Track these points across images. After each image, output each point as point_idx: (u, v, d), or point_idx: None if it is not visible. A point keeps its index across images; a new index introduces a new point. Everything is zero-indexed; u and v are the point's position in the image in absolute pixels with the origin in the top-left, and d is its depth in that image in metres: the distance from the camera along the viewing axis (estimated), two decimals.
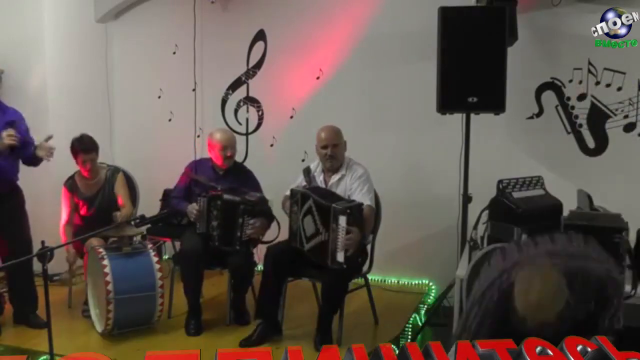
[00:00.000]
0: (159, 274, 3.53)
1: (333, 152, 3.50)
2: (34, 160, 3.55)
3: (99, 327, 3.55)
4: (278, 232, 3.70)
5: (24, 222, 3.68)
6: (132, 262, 3.54)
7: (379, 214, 3.66)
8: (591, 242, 2.01)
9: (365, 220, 3.36)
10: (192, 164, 3.95)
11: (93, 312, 3.66)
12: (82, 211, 3.90)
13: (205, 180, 3.73)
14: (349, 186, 3.50)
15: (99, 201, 3.89)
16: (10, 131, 3.37)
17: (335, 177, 3.55)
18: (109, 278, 3.38)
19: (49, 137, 3.50)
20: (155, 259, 3.59)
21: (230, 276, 3.69)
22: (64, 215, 3.90)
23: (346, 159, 3.60)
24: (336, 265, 3.20)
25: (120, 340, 3.48)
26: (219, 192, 3.59)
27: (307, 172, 3.62)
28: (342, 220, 3.14)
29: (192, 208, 3.67)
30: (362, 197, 3.43)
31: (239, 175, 3.84)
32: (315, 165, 3.67)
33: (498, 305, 1.94)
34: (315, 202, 3.29)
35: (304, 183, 3.57)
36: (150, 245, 3.67)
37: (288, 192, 3.55)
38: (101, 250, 3.51)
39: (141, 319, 3.56)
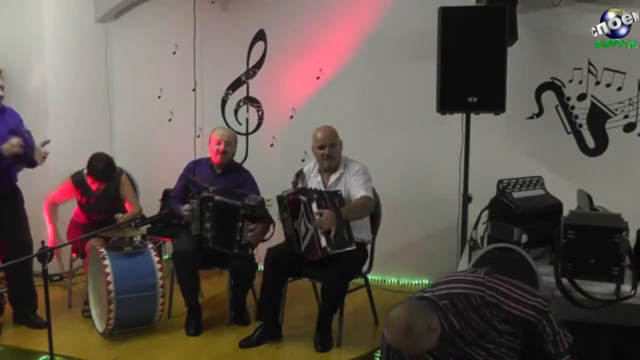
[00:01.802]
0: (159, 274, 3.53)
1: (330, 151, 3.50)
2: (30, 163, 3.55)
3: (100, 327, 3.55)
4: (273, 230, 3.70)
5: (23, 222, 3.69)
6: (133, 262, 3.54)
7: (378, 213, 3.66)
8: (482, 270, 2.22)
9: (355, 206, 3.38)
10: (191, 163, 3.96)
11: (94, 312, 3.66)
12: (85, 210, 3.90)
13: (199, 181, 3.74)
14: (348, 183, 3.51)
15: (103, 202, 3.89)
16: (19, 141, 3.38)
17: (334, 177, 3.55)
18: (110, 278, 3.38)
19: (46, 142, 3.51)
20: (156, 258, 3.59)
21: (231, 278, 3.69)
22: (54, 194, 3.90)
23: (343, 158, 3.60)
24: (323, 252, 3.19)
25: (120, 340, 3.48)
26: (211, 193, 3.59)
27: (297, 174, 3.62)
28: (314, 206, 3.20)
29: (185, 209, 3.67)
30: (357, 189, 3.44)
31: (236, 175, 3.84)
32: (312, 166, 3.67)
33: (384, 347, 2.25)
34: (304, 204, 3.28)
35: (290, 188, 3.56)
36: (150, 245, 3.67)
37: None
38: (102, 250, 3.51)
39: (142, 318, 3.56)
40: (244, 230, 3.51)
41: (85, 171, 3.88)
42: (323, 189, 3.52)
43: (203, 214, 3.61)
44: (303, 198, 3.27)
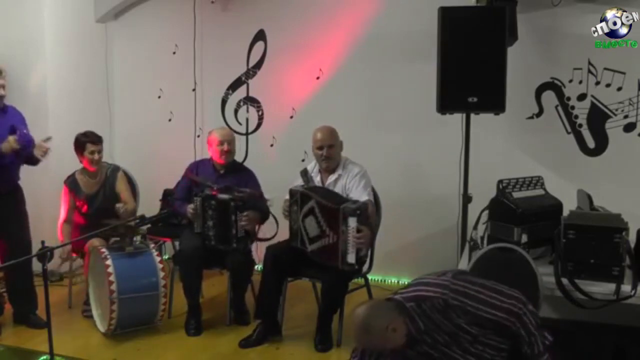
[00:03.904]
0: (162, 274, 3.54)
1: (329, 152, 3.50)
2: (32, 160, 3.56)
3: (102, 327, 3.55)
4: (277, 229, 3.70)
5: (24, 221, 3.69)
6: (135, 261, 3.55)
7: (378, 213, 3.65)
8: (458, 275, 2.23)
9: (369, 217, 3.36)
10: (193, 164, 3.96)
11: (95, 312, 3.66)
12: (83, 210, 3.90)
13: (202, 180, 3.75)
14: (347, 185, 3.50)
15: (99, 200, 3.88)
16: (14, 137, 3.38)
17: (332, 177, 3.55)
18: (112, 278, 3.38)
19: (48, 138, 3.51)
20: (158, 258, 3.60)
21: (229, 274, 3.69)
22: (62, 213, 3.90)
23: (343, 159, 3.59)
24: (347, 266, 3.18)
25: (120, 340, 3.48)
26: (214, 191, 3.61)
27: (304, 173, 3.62)
28: (352, 221, 3.12)
29: (190, 208, 3.68)
30: (359, 194, 3.43)
31: (239, 174, 3.85)
32: (313, 165, 3.67)
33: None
34: (318, 203, 3.27)
35: (302, 184, 3.57)
36: (152, 245, 3.67)
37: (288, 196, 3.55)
38: (104, 250, 3.51)
39: (144, 318, 3.57)
40: (237, 223, 3.53)
41: (75, 170, 3.90)
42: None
43: (205, 212, 3.62)
44: (339, 207, 3.15)
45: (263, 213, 3.76)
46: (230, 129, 4.84)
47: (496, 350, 2.22)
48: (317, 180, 3.59)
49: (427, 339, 2.19)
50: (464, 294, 2.15)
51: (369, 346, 2.24)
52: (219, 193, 3.60)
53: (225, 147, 3.76)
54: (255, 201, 3.67)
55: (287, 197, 3.53)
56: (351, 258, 3.15)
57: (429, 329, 2.16)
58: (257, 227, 3.81)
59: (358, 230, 3.12)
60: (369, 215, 3.29)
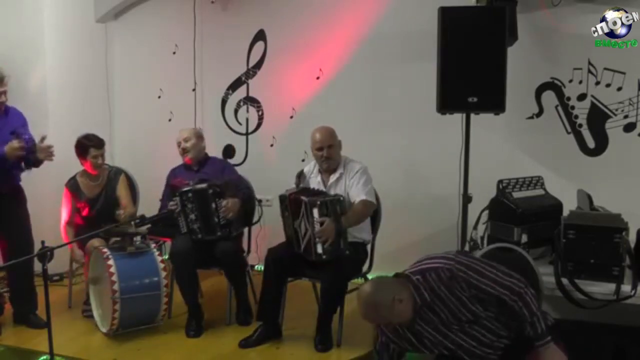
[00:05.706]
0: (163, 273, 3.55)
1: (329, 153, 3.50)
2: (35, 163, 3.56)
3: (104, 328, 3.55)
4: (261, 213, 3.82)
5: (25, 222, 3.69)
6: (137, 261, 3.55)
7: (378, 213, 3.66)
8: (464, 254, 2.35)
9: (355, 213, 3.36)
10: (171, 171, 4.01)
11: (96, 312, 3.66)
12: (84, 212, 3.90)
13: (179, 183, 3.79)
14: (348, 184, 3.51)
15: (100, 202, 3.89)
16: (19, 142, 3.39)
17: (333, 177, 3.55)
18: (114, 278, 3.38)
19: (43, 138, 3.51)
20: (159, 258, 3.60)
21: (221, 267, 3.71)
22: (64, 215, 3.90)
23: (343, 158, 3.59)
24: (317, 257, 3.24)
25: (120, 340, 3.48)
26: (190, 186, 3.64)
27: (298, 175, 3.62)
28: (315, 212, 3.21)
29: (170, 205, 3.68)
30: (357, 192, 3.43)
31: (212, 165, 3.92)
32: (312, 166, 3.67)
33: None
34: (304, 204, 3.29)
35: (293, 187, 3.57)
36: (153, 245, 3.67)
37: None
38: (105, 250, 3.51)
39: (146, 318, 3.57)
40: (218, 210, 3.57)
41: (76, 173, 3.90)
42: (323, 189, 3.52)
43: (185, 207, 3.62)
44: (305, 199, 3.26)
45: (245, 199, 3.77)
46: (230, 129, 4.89)
47: (495, 336, 2.25)
48: (317, 180, 3.59)
49: (431, 315, 2.24)
50: (468, 266, 2.23)
51: (379, 321, 2.30)
52: (194, 186, 3.63)
53: (181, 147, 3.89)
54: (235, 188, 3.71)
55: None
56: (318, 248, 3.22)
57: (433, 301, 2.22)
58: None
59: (321, 223, 3.18)
60: (343, 209, 3.30)
